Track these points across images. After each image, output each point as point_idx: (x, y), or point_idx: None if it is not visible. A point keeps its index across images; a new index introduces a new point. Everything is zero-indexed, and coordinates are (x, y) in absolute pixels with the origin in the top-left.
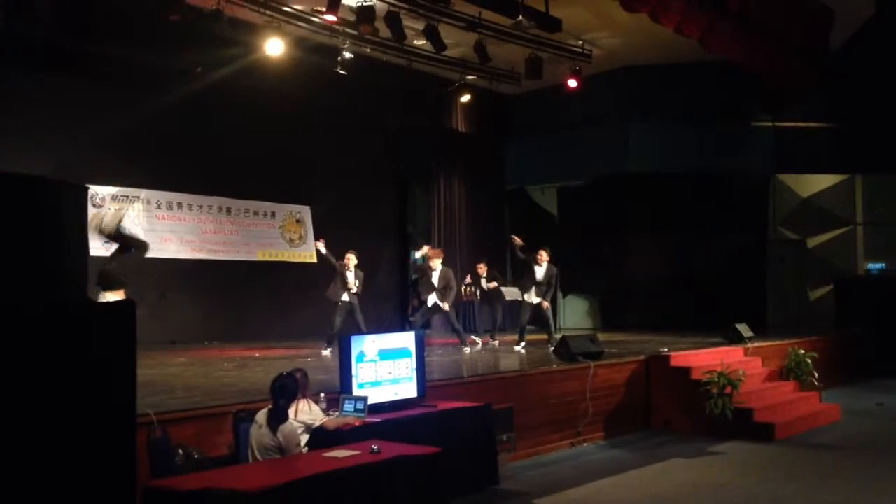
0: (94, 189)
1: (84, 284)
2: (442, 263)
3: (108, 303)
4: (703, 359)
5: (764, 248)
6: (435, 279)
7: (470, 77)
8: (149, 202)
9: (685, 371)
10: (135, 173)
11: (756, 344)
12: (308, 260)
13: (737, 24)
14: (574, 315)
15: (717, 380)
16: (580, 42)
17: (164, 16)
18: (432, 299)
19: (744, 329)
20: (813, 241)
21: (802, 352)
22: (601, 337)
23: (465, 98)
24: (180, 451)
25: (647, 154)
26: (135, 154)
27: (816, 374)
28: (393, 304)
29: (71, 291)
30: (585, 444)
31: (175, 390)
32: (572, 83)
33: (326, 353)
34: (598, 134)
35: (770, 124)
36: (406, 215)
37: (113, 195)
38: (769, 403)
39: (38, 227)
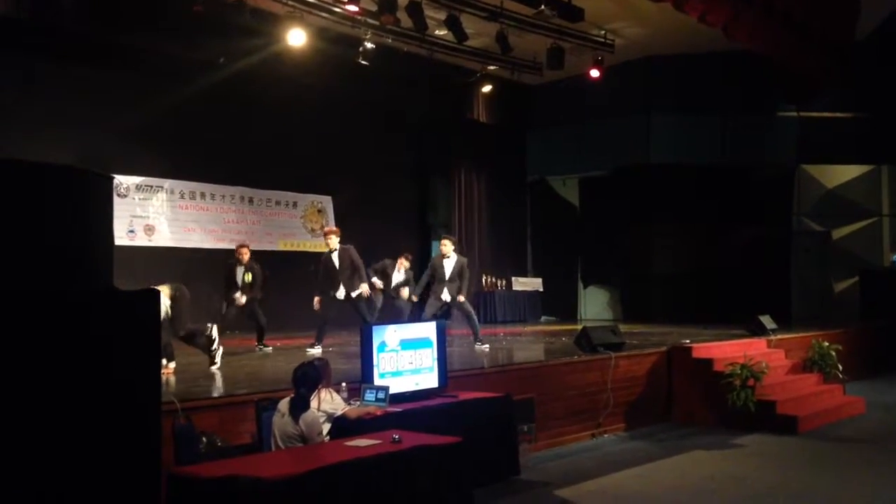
0: (118, 179)
1: (110, 273)
2: (457, 252)
3: (131, 291)
4: (725, 351)
5: (788, 239)
6: (448, 269)
7: (491, 67)
8: (172, 192)
9: (707, 363)
10: (158, 163)
11: (779, 336)
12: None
13: (762, 13)
14: (595, 306)
15: (739, 372)
16: (603, 31)
17: (187, 7)
18: (447, 294)
19: (767, 321)
20: (838, 233)
21: (826, 344)
22: (622, 328)
23: (487, 88)
24: (204, 439)
25: (669, 144)
26: (158, 144)
27: (841, 367)
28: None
29: (97, 280)
30: (606, 436)
31: (198, 379)
32: (594, 73)
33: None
34: (620, 124)
35: (795, 114)
36: (427, 206)
37: (137, 185)
38: (792, 396)
39: (66, 215)
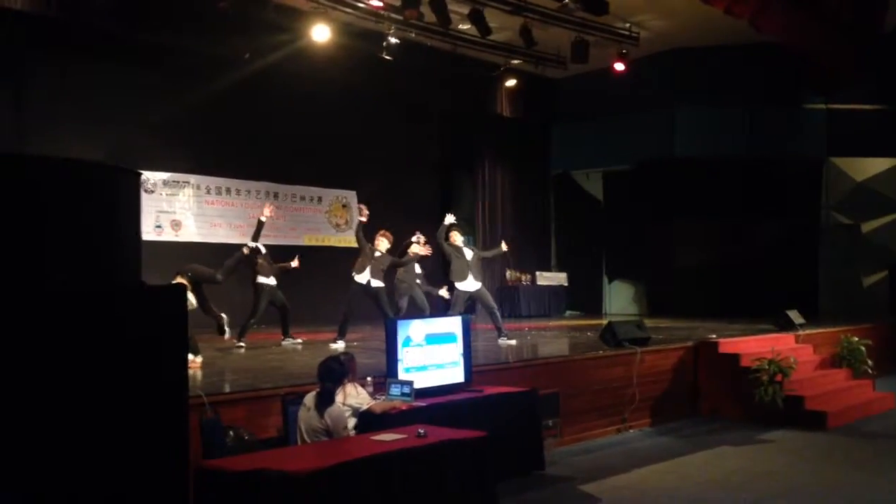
0: (146, 175)
1: (138, 268)
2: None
3: (159, 286)
4: (752, 346)
5: (816, 233)
6: (468, 257)
7: (515, 61)
8: (198, 188)
9: (734, 358)
10: (185, 159)
11: (807, 331)
12: (354, 245)
13: (789, 4)
14: (620, 300)
15: (767, 367)
16: (627, 24)
17: (212, 4)
18: (471, 285)
19: (795, 315)
20: (867, 226)
21: (856, 339)
22: (648, 323)
23: (511, 82)
24: (231, 433)
25: (695, 138)
26: (185, 140)
27: (870, 362)
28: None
29: (126, 275)
30: (632, 431)
31: (225, 373)
32: (619, 66)
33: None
34: (644, 118)
35: (823, 107)
36: (450, 201)
37: (164, 181)
38: (821, 391)
39: (95, 211)
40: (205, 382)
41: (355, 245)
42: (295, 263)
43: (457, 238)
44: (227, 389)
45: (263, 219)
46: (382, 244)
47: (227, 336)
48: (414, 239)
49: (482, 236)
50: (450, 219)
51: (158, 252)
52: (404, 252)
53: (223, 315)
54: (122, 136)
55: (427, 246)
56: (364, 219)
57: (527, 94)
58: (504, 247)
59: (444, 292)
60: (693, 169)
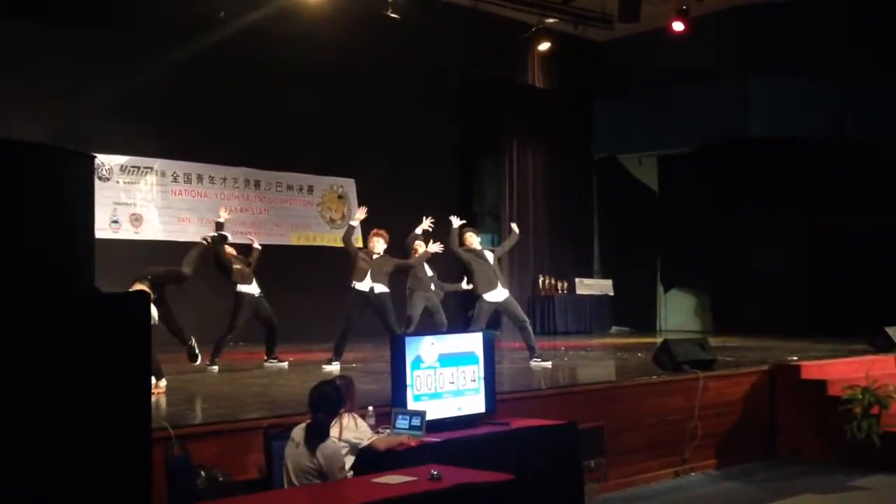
0: (99, 158)
1: (91, 272)
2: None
3: (117, 294)
4: (842, 370)
5: None
6: (491, 261)
7: (550, 20)
8: (163, 174)
9: (820, 385)
10: (147, 140)
11: None
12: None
13: None
14: (678, 314)
15: (860, 397)
16: None
17: None
18: (500, 294)
19: (895, 334)
20: None
21: None
22: (712, 341)
23: (545, 46)
24: (202, 473)
25: (773, 115)
26: (147, 117)
27: None
28: (456, 300)
29: (75, 281)
30: (693, 474)
31: (196, 400)
32: (678, 26)
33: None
34: (709, 90)
35: None
36: (471, 191)
37: (122, 165)
38: None
39: (36, 204)
40: (171, 412)
41: (354, 245)
42: (256, 245)
43: (473, 240)
44: (198, 420)
45: (221, 219)
46: (378, 245)
47: (198, 362)
48: (419, 231)
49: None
50: (456, 222)
51: (115, 253)
52: (410, 252)
53: (191, 337)
54: (71, 111)
55: (438, 243)
56: (355, 223)
57: (565, 60)
58: (515, 229)
59: (465, 285)
60: (771, 152)
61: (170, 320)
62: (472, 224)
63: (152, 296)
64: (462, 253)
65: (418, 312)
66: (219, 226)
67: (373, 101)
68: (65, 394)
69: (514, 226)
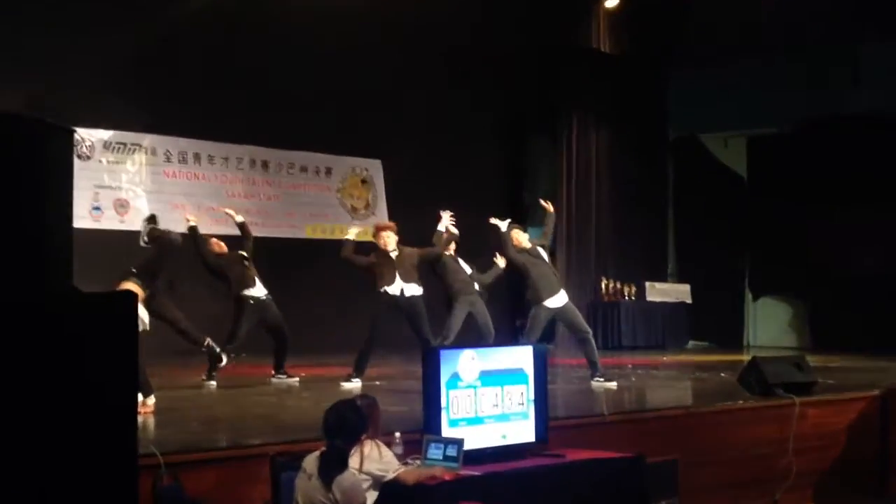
0: (79, 133)
1: (69, 267)
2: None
3: (99, 294)
4: None
5: None
6: (547, 259)
7: None
8: (154, 153)
9: None
10: (136, 113)
11: None
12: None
13: None
14: (770, 327)
15: None
16: None
17: None
18: (560, 299)
19: None
20: None
21: None
22: (811, 360)
23: (613, 2)
24: None
25: (887, 88)
26: (136, 86)
27: None
28: (501, 305)
29: (51, 278)
30: None
31: (190, 422)
32: None
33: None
34: (810, 58)
35: None
36: (521, 176)
37: (105, 142)
38: None
39: (4, 186)
40: (161, 435)
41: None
42: (237, 218)
43: (522, 238)
44: (193, 446)
45: (193, 222)
46: (390, 240)
47: (223, 363)
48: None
49: (567, 228)
50: (504, 225)
51: (97, 245)
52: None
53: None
54: (46, 78)
55: (449, 216)
56: (352, 237)
57: (636, 20)
58: (549, 207)
59: (500, 261)
60: (884, 133)
61: (174, 319)
62: (522, 215)
63: (142, 294)
64: (516, 256)
65: (459, 323)
66: (193, 231)
67: (404, 69)
68: (35, 416)
69: (547, 205)
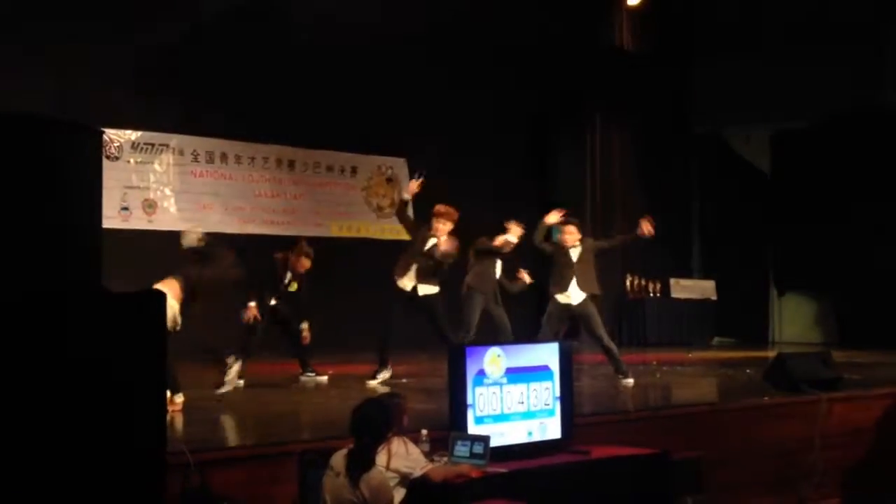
0: (108, 134)
1: (98, 266)
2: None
3: (127, 294)
4: None
5: None
6: (574, 259)
7: None
8: (181, 153)
9: None
10: (163, 112)
11: None
12: (404, 236)
13: None
14: (796, 322)
15: None
16: None
17: None
18: (577, 295)
19: None
20: None
21: None
22: (838, 356)
23: (634, 1)
24: None
25: None
26: (164, 87)
27: None
28: (527, 303)
29: (80, 277)
30: None
31: (218, 421)
32: None
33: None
34: (837, 49)
35: None
36: (545, 174)
37: (133, 142)
38: None
39: (36, 187)
40: (189, 434)
41: (404, 237)
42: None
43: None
44: (221, 444)
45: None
46: (444, 226)
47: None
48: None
49: (592, 226)
50: (555, 217)
51: (125, 244)
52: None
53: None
54: (75, 79)
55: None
56: (409, 196)
57: (659, 16)
58: (645, 231)
59: (525, 276)
60: None
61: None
62: (546, 212)
63: (180, 295)
64: (542, 244)
65: (475, 317)
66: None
67: (428, 67)
68: (63, 413)
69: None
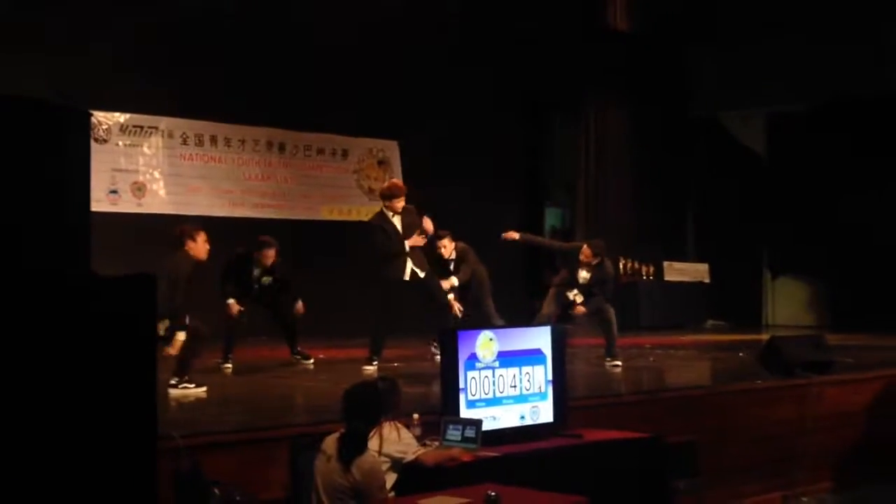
0: (96, 116)
1: (87, 249)
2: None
3: (116, 277)
4: None
5: None
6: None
7: None
8: (170, 135)
9: None
10: (151, 95)
11: None
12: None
13: None
14: (789, 305)
15: None
16: None
17: None
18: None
19: None
20: None
21: None
22: (831, 339)
23: None
24: (216, 491)
25: None
26: (152, 69)
27: None
28: (519, 288)
29: (69, 261)
30: (805, 499)
31: (209, 405)
32: None
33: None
34: (835, 33)
35: None
36: (540, 157)
37: (122, 125)
38: None
39: (24, 170)
40: (179, 418)
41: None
42: None
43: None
44: (212, 428)
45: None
46: (399, 203)
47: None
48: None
49: (586, 207)
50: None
51: (114, 228)
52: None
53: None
54: (63, 61)
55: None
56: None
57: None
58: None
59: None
60: None
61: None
62: (542, 196)
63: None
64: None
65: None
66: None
67: (420, 48)
68: (54, 396)
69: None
